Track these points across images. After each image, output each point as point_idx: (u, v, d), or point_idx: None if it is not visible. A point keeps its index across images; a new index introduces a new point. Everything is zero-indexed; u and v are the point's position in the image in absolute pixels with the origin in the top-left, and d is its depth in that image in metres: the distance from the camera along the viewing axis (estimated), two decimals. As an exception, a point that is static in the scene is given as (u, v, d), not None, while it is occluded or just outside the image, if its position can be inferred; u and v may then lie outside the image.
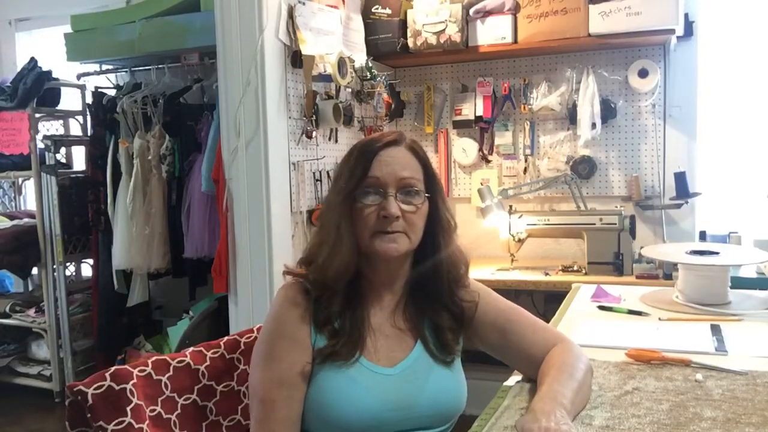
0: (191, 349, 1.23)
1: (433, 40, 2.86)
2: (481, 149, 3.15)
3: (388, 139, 1.11)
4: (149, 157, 2.98)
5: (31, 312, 3.42)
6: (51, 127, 3.54)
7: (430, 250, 1.14)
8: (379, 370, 1.08)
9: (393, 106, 3.14)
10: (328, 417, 1.04)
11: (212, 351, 1.24)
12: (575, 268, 2.68)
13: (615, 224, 2.58)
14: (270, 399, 1.04)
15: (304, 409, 1.06)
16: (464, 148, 3.16)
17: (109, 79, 3.40)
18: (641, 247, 2.11)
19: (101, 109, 3.12)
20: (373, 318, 1.11)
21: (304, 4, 2.48)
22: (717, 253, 1.63)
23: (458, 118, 3.13)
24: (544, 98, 2.93)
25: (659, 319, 1.51)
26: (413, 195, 1.09)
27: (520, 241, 2.74)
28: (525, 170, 3.08)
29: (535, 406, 0.93)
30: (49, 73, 3.26)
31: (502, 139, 3.09)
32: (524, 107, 3.01)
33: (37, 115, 3.26)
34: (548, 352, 1.11)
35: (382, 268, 1.12)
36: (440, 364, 1.11)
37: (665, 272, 2.47)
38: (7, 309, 3.45)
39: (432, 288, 1.14)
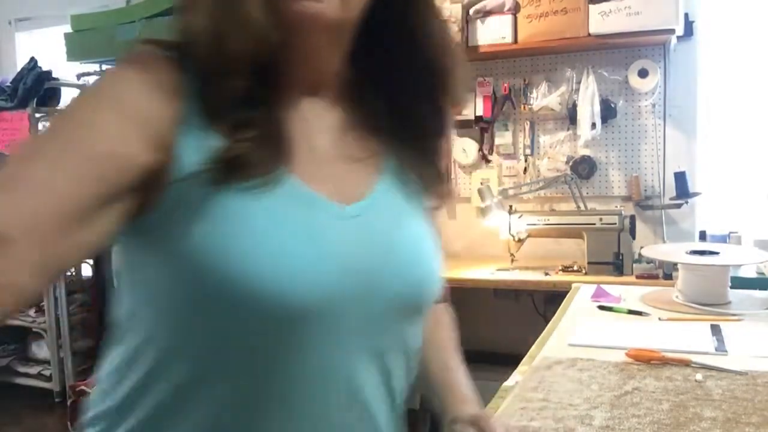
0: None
1: (433, 40, 2.86)
2: (481, 149, 3.15)
3: None
4: (149, 157, 2.98)
5: (31, 312, 3.42)
6: (51, 127, 3.54)
7: (396, 33, 0.70)
8: (328, 203, 0.63)
9: (393, 106, 3.14)
10: (236, 286, 0.56)
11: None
12: (575, 268, 2.68)
13: (615, 224, 2.58)
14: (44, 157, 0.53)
15: (173, 277, 0.59)
16: (464, 148, 3.15)
17: (109, 79, 3.40)
18: (641, 247, 2.11)
19: (101, 109, 3.12)
20: (301, 128, 0.66)
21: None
22: (717, 253, 1.63)
23: (458, 117, 3.12)
24: (544, 98, 2.93)
25: (659, 319, 1.51)
26: None
27: (520, 241, 2.75)
28: (525, 170, 3.08)
29: (477, 411, 0.78)
30: (49, 72, 3.26)
31: (502, 139, 3.09)
32: (524, 107, 3.01)
33: (37, 115, 3.27)
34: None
35: (300, 50, 0.65)
36: (420, 209, 0.72)
37: (665, 272, 2.47)
38: (7, 309, 3.45)
39: (400, 90, 0.72)
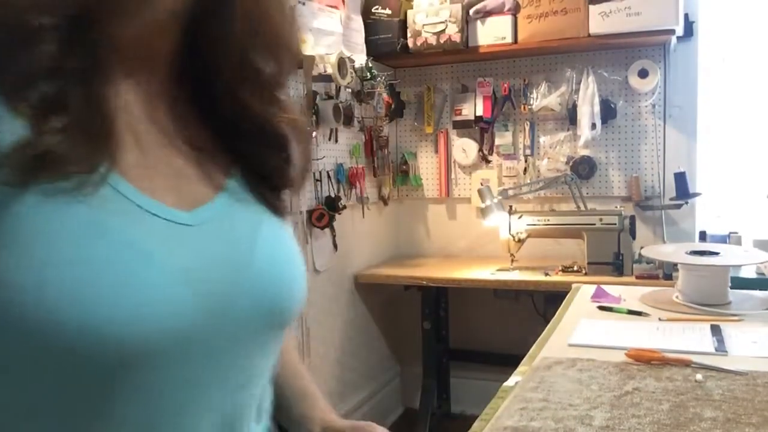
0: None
1: (433, 40, 2.86)
2: (481, 149, 3.15)
3: None
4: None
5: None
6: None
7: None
8: (164, 208, 0.50)
9: (393, 106, 3.14)
10: (39, 324, 0.41)
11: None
12: (575, 268, 2.68)
13: (615, 224, 2.58)
14: None
15: None
16: (464, 149, 3.16)
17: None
18: (641, 248, 2.11)
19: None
20: (127, 111, 0.52)
21: (304, 4, 2.48)
22: (717, 253, 1.63)
23: (458, 118, 3.13)
24: (544, 98, 2.94)
25: (659, 319, 1.51)
26: None
27: (520, 241, 2.75)
28: (525, 170, 3.08)
29: (342, 421, 0.76)
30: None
31: (502, 139, 3.09)
32: (524, 107, 3.01)
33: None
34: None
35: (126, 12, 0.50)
36: (272, 212, 0.61)
37: (665, 272, 2.47)
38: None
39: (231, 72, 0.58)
